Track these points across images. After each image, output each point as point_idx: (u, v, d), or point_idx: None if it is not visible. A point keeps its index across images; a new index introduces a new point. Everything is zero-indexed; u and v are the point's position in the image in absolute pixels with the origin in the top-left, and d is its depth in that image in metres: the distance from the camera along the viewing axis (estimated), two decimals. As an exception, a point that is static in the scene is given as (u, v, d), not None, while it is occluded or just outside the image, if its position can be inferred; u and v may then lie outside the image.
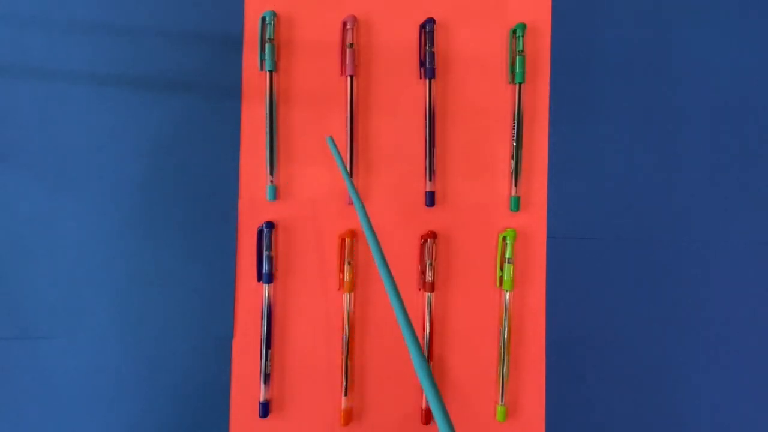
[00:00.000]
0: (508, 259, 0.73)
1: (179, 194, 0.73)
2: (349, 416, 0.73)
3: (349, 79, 0.73)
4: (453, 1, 0.75)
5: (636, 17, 0.76)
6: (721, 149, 0.77)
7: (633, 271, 0.76)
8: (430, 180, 0.73)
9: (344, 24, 0.73)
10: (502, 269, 0.74)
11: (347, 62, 0.72)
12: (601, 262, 0.76)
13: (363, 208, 0.49)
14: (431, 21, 0.73)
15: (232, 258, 0.73)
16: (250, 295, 0.73)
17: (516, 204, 0.74)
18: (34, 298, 0.72)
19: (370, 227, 0.46)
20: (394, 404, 0.74)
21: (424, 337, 0.73)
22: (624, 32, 0.76)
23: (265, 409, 0.72)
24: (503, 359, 0.74)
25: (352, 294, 0.74)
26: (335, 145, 0.63)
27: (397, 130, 0.75)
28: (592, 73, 0.76)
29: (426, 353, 0.73)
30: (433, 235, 0.73)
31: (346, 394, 0.73)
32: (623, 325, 0.76)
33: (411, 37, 0.74)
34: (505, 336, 0.74)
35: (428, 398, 0.29)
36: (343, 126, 0.73)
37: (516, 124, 0.74)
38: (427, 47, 0.73)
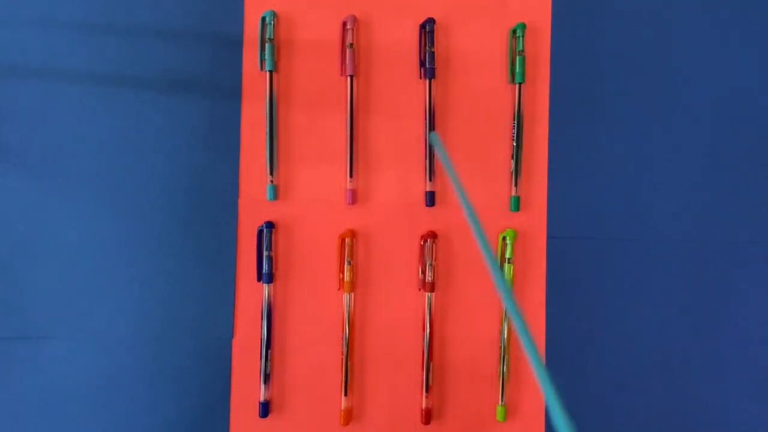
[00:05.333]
0: (508, 259, 0.73)
1: (179, 194, 0.73)
2: (349, 416, 0.73)
3: (349, 79, 0.73)
4: (453, 1, 0.74)
5: (636, 17, 0.76)
6: (721, 149, 0.77)
7: (633, 271, 0.76)
8: (430, 180, 0.73)
9: (344, 24, 0.73)
10: (502, 269, 0.74)
11: (347, 62, 0.72)
12: (601, 262, 0.76)
13: (470, 205, 0.49)
14: (431, 21, 0.73)
15: (232, 258, 0.73)
16: (250, 295, 0.73)
17: (516, 204, 0.74)
18: (34, 298, 0.72)
19: (478, 224, 0.45)
20: (394, 404, 0.74)
21: (424, 337, 0.73)
22: (624, 32, 0.76)
23: (265, 409, 0.72)
24: (503, 359, 0.74)
25: (352, 294, 0.73)
26: (440, 141, 0.62)
27: (397, 130, 0.75)
28: (592, 73, 0.76)
29: (426, 353, 0.73)
30: (433, 235, 0.73)
31: (346, 394, 0.73)
32: (623, 325, 0.76)
33: (411, 37, 0.74)
34: (505, 336, 0.74)
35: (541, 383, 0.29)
36: (343, 126, 0.73)
37: (516, 124, 0.74)
38: (427, 47, 0.73)
